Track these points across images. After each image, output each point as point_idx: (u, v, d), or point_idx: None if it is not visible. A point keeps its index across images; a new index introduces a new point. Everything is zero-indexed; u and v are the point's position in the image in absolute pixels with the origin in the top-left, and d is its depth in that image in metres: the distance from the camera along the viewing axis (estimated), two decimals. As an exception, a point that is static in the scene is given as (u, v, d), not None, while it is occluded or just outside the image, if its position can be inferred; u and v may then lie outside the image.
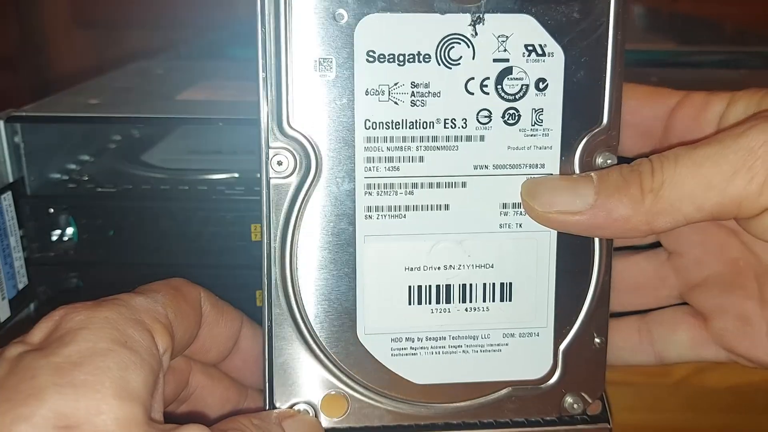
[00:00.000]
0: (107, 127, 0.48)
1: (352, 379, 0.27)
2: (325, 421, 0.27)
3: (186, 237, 0.38)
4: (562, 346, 0.28)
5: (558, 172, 0.26)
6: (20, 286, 0.38)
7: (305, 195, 0.26)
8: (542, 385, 0.28)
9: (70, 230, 0.38)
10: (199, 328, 0.27)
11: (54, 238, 0.38)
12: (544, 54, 0.25)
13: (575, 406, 0.28)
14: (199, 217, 0.38)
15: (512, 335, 0.27)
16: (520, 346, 0.27)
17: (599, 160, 0.26)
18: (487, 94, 0.25)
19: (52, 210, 0.38)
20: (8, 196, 0.37)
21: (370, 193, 0.26)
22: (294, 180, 0.26)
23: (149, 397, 0.22)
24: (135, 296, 0.24)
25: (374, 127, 0.25)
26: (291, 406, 0.27)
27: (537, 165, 0.26)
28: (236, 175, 0.40)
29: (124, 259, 0.38)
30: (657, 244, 0.31)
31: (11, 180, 0.38)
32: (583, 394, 0.28)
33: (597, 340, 0.28)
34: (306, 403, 0.27)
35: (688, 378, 0.39)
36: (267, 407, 0.27)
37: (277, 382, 0.27)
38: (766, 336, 0.28)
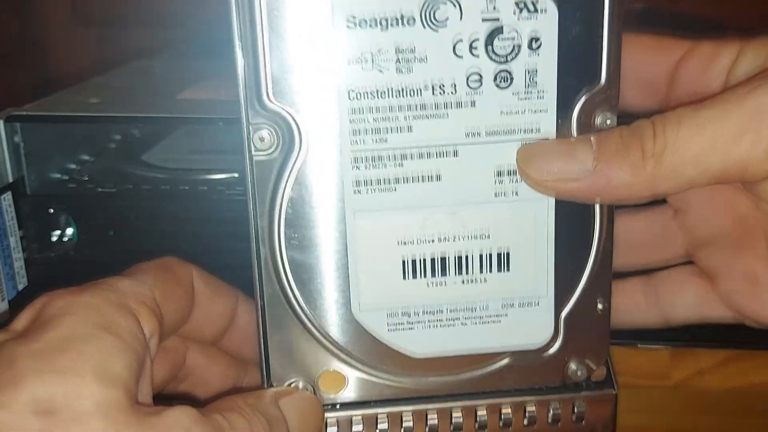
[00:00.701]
0: (107, 127, 0.48)
1: (349, 355, 0.26)
2: (324, 398, 0.27)
3: (186, 237, 0.38)
4: (563, 313, 0.27)
5: (555, 137, 0.25)
6: (20, 287, 0.38)
7: (290, 171, 0.25)
8: (544, 353, 0.27)
9: (70, 230, 0.38)
10: (192, 308, 0.26)
11: (54, 238, 0.38)
12: (536, 10, 0.24)
13: (579, 372, 0.27)
14: (200, 217, 0.38)
15: (511, 305, 0.27)
16: (520, 315, 0.27)
17: (598, 121, 0.25)
18: (477, 56, 0.24)
19: (52, 210, 0.38)
20: (8, 196, 0.37)
21: (357, 167, 0.25)
22: (278, 156, 0.25)
23: (133, 381, 0.21)
24: (121, 279, 0.24)
25: (359, 97, 0.24)
26: (288, 385, 0.26)
27: (532, 129, 0.25)
28: (236, 175, 0.40)
29: (124, 259, 0.38)
30: (662, 201, 0.30)
31: (11, 180, 0.38)
32: (587, 360, 0.27)
33: (600, 305, 0.27)
34: (303, 381, 0.26)
35: (687, 380, 0.39)
36: (264, 387, 0.27)
37: (273, 361, 0.26)
38: None
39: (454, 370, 0.27)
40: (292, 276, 0.26)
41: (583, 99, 0.25)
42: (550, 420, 0.27)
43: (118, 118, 0.41)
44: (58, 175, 0.42)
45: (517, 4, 0.24)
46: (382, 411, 0.27)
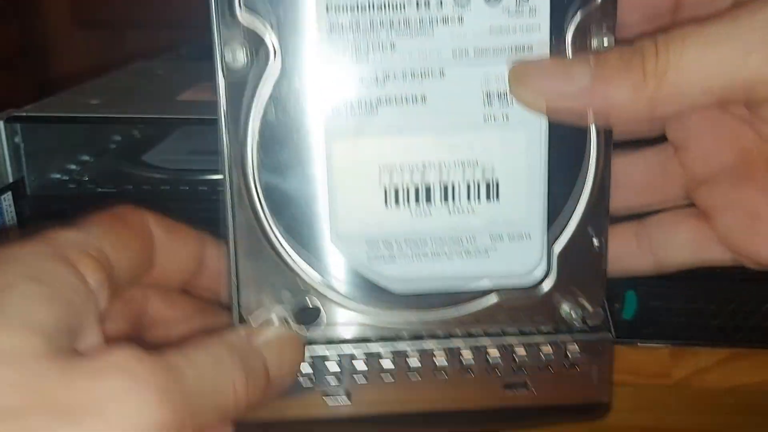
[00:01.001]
0: (108, 128, 0.48)
1: (326, 288, 0.25)
2: (299, 334, 0.25)
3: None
4: (556, 248, 0.25)
5: (548, 57, 0.23)
6: (20, 287, 0.38)
7: (265, 92, 0.23)
8: (535, 292, 0.25)
9: (70, 230, 0.38)
10: (151, 255, 0.25)
11: (54, 238, 0.38)
12: None
13: (573, 314, 0.25)
14: (200, 217, 0.38)
15: (501, 238, 0.25)
16: (510, 249, 0.25)
17: (595, 43, 0.23)
18: None
19: (52, 210, 0.38)
20: (8, 197, 0.37)
21: (336, 88, 0.23)
22: (251, 74, 0.23)
23: (60, 330, 0.20)
24: (64, 231, 0.23)
25: (337, 11, 0.22)
26: (262, 321, 0.24)
27: (524, 48, 0.23)
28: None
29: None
30: (662, 140, 0.28)
31: (11, 180, 0.38)
32: (581, 301, 0.25)
33: (595, 241, 0.25)
34: (276, 312, 0.24)
35: (687, 379, 0.39)
36: (234, 317, 0.25)
37: (244, 293, 0.24)
38: None
39: (437, 308, 0.25)
40: (266, 202, 0.24)
41: (578, 17, 0.23)
42: (540, 365, 0.26)
43: (118, 119, 0.41)
44: (58, 176, 0.42)
45: None
46: (359, 350, 0.25)
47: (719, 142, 0.27)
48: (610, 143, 0.25)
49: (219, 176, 0.40)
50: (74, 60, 0.96)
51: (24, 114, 0.39)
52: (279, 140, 0.24)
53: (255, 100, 0.23)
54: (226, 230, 0.24)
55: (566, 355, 0.26)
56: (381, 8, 0.23)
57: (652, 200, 0.29)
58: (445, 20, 0.23)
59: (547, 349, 0.25)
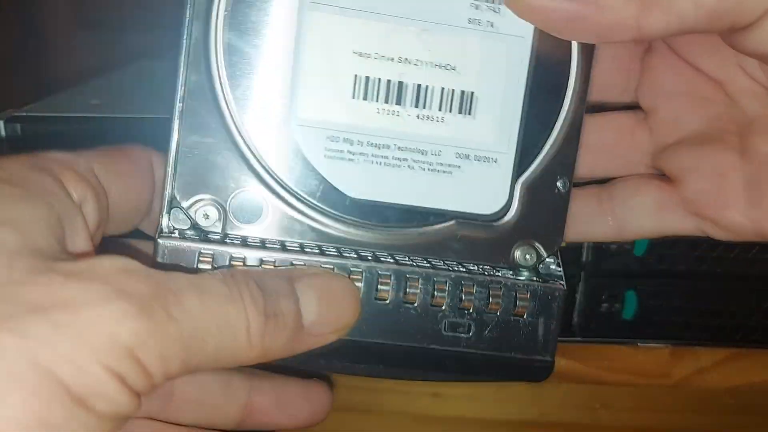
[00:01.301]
0: (108, 128, 0.48)
1: (274, 178, 0.23)
2: (236, 227, 0.23)
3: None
4: (520, 182, 0.24)
5: None
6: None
7: None
8: (494, 224, 0.24)
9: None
10: (149, 196, 0.24)
11: (54, 238, 0.38)
12: None
13: (527, 257, 0.24)
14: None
15: (467, 157, 0.24)
16: (475, 171, 0.24)
17: None
18: None
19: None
20: (9, 197, 0.37)
21: None
22: None
23: (39, 229, 0.18)
24: (55, 152, 0.22)
25: None
26: (194, 202, 0.22)
27: None
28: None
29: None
30: (635, 108, 0.28)
31: (12, 180, 0.38)
32: (537, 245, 0.24)
33: (559, 183, 0.24)
34: (213, 200, 0.22)
35: (687, 379, 0.39)
36: (165, 201, 0.22)
37: (181, 168, 0.22)
38: (743, 191, 0.25)
39: (390, 224, 0.23)
40: (225, 63, 0.22)
41: None
42: (486, 308, 0.24)
43: (118, 119, 0.41)
44: (58, 176, 0.42)
45: None
46: (296, 258, 0.22)
47: (690, 105, 0.27)
48: (589, 77, 0.24)
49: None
50: (74, 60, 0.96)
51: (24, 114, 0.39)
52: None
53: None
54: (174, 91, 0.23)
55: (514, 303, 0.24)
56: None
57: (618, 165, 0.28)
58: None
59: (496, 291, 0.24)
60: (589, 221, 0.27)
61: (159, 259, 0.21)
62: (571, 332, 0.39)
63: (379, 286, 0.23)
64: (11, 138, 0.38)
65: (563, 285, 0.24)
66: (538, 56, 0.23)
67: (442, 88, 0.23)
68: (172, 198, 0.22)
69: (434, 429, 0.43)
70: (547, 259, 0.25)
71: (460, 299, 0.23)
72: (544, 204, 0.24)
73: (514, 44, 0.23)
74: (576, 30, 0.22)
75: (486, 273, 0.24)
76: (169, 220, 0.22)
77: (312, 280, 0.21)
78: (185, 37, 0.22)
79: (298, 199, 0.23)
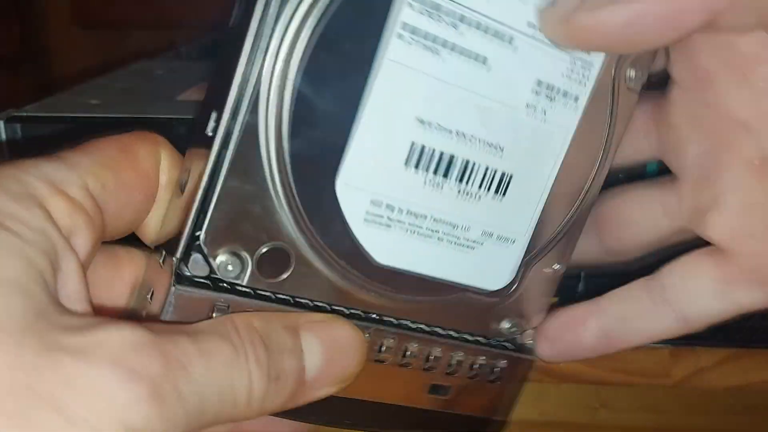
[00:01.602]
0: (108, 128, 0.48)
1: (309, 236, 0.21)
2: (256, 280, 0.21)
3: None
4: (526, 260, 0.25)
5: None
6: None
7: None
8: (493, 299, 0.24)
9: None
10: (152, 205, 0.21)
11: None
12: None
13: (512, 329, 0.25)
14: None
15: (490, 235, 0.24)
16: (493, 249, 0.24)
17: None
18: None
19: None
20: (9, 197, 0.37)
21: (411, 5, 0.20)
22: None
23: (36, 289, 0.16)
24: (42, 162, 0.19)
25: None
26: (220, 250, 0.20)
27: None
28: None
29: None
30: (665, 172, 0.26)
31: (12, 180, 0.38)
32: (523, 320, 0.25)
33: (557, 266, 0.25)
34: (240, 250, 0.20)
35: (687, 379, 0.39)
36: (183, 241, 0.20)
37: (216, 214, 0.20)
38: None
39: (407, 290, 0.23)
40: (291, 110, 0.20)
41: None
42: (470, 374, 0.25)
43: (118, 119, 0.41)
44: (58, 176, 0.42)
45: None
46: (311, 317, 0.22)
47: (718, 154, 0.24)
48: (604, 175, 0.25)
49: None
50: (74, 60, 0.96)
51: (24, 114, 0.39)
52: (325, 48, 0.20)
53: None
54: (217, 125, 0.20)
55: (493, 370, 0.25)
56: None
57: (650, 235, 0.26)
58: None
59: (483, 359, 0.25)
60: (649, 321, 0.25)
61: (172, 312, 0.20)
62: (571, 332, 0.39)
63: (381, 348, 0.23)
64: (11, 138, 0.38)
65: (536, 358, 0.26)
66: (574, 148, 0.24)
67: (487, 167, 0.23)
68: (196, 241, 0.20)
69: (434, 429, 0.43)
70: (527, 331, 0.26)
71: (450, 365, 0.25)
72: (540, 284, 0.25)
73: (557, 134, 0.23)
74: (641, 33, 0.20)
75: (477, 342, 0.25)
76: (188, 265, 0.20)
77: (318, 331, 0.20)
78: (244, 64, 0.19)
79: (325, 257, 0.22)
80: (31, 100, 0.41)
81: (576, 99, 0.23)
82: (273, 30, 0.19)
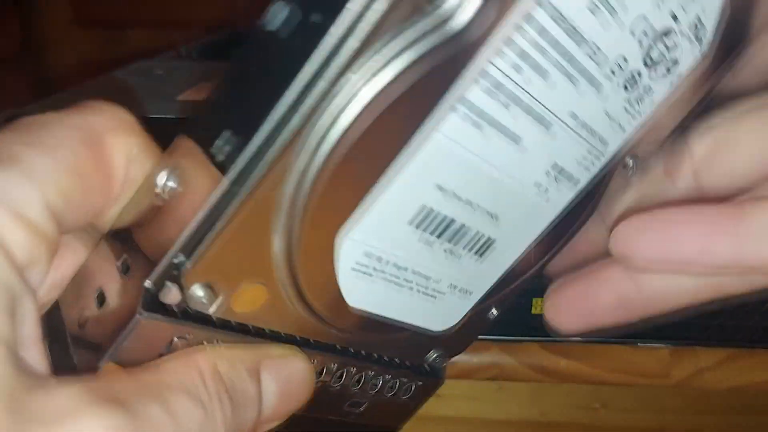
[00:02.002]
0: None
1: (292, 277, 0.20)
2: (228, 312, 0.20)
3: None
4: (475, 309, 0.25)
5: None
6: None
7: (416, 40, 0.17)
8: (437, 337, 0.25)
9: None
10: (112, 201, 0.19)
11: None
12: (698, 40, 0.21)
13: (438, 359, 0.26)
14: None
15: (455, 287, 0.24)
16: (453, 299, 0.25)
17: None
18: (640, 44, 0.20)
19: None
20: (9, 197, 0.37)
21: (479, 83, 0.19)
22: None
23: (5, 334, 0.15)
24: (4, 179, 0.16)
25: (548, 13, 0.19)
26: (202, 284, 0.19)
27: (605, 142, 0.22)
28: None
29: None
30: None
31: (12, 180, 0.38)
32: (450, 350, 0.26)
33: (495, 310, 0.26)
34: (219, 285, 0.19)
35: (687, 379, 0.39)
36: (161, 267, 0.18)
37: (211, 250, 0.18)
38: None
39: (361, 328, 0.23)
40: (324, 157, 0.18)
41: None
42: (388, 393, 0.26)
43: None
44: (58, 176, 0.42)
45: (694, 26, 0.21)
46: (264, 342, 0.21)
47: None
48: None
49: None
50: (74, 59, 0.96)
51: (24, 114, 0.39)
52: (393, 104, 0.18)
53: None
54: (229, 155, 0.17)
55: (410, 389, 0.26)
56: (580, 42, 0.20)
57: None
58: (597, 84, 0.21)
59: (405, 379, 0.26)
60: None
61: (131, 338, 0.19)
62: (571, 332, 0.39)
63: (323, 372, 0.23)
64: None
65: (443, 380, 0.27)
66: (554, 220, 0.24)
67: (477, 231, 0.23)
68: (175, 269, 0.18)
69: (435, 429, 0.43)
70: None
71: (375, 385, 0.25)
72: (475, 325, 0.26)
73: (549, 212, 0.24)
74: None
75: (403, 365, 0.26)
76: (159, 292, 0.18)
77: (276, 371, 0.20)
78: (304, 111, 0.17)
79: (301, 298, 0.21)
80: (30, 99, 0.41)
81: (577, 183, 0.23)
82: (353, 60, 0.16)
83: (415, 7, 0.17)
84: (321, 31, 0.16)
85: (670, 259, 0.21)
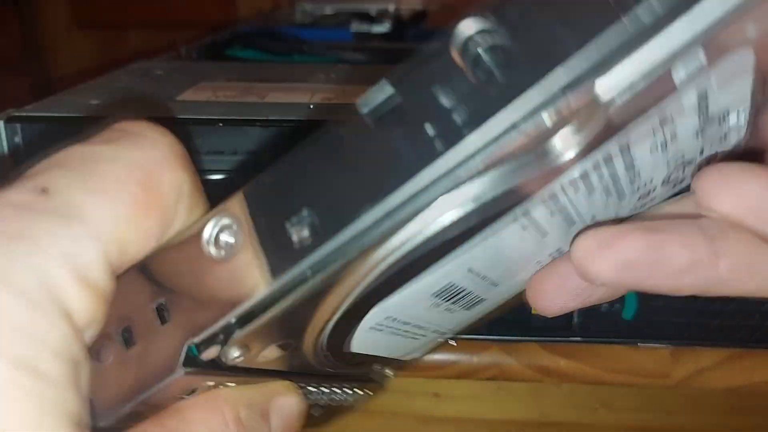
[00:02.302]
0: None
1: (318, 336, 0.20)
2: (249, 361, 0.20)
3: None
4: None
5: None
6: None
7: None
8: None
9: (70, 231, 0.38)
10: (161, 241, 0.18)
11: (54, 238, 0.38)
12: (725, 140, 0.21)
13: (389, 374, 0.29)
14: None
15: (436, 331, 0.26)
16: (431, 337, 0.27)
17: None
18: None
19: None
20: (8, 197, 0.37)
21: (545, 201, 0.19)
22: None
23: (76, 408, 0.15)
24: (57, 227, 0.15)
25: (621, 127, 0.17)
26: (244, 345, 0.19)
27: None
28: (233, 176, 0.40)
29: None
30: None
31: (11, 180, 0.38)
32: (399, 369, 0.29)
33: (447, 340, 0.30)
34: (254, 345, 0.19)
35: (688, 379, 0.39)
36: (211, 330, 0.18)
37: (262, 326, 0.18)
38: None
39: (341, 361, 0.23)
40: (396, 257, 0.18)
41: None
42: (345, 401, 0.29)
43: (118, 119, 0.41)
44: (58, 176, 0.42)
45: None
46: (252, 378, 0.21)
47: None
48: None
49: (218, 177, 0.40)
50: (74, 60, 0.96)
51: (24, 114, 0.39)
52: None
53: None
54: (290, 236, 0.17)
55: (358, 399, 0.29)
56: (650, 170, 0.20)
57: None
58: (620, 195, 0.21)
59: (359, 391, 0.28)
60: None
61: (163, 390, 0.19)
62: (571, 332, 0.39)
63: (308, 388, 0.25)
64: (11, 138, 0.38)
65: (386, 385, 0.29)
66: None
67: (477, 294, 0.24)
68: (222, 334, 0.18)
69: (435, 429, 0.43)
70: None
71: (333, 399, 0.27)
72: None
73: (518, 287, 0.25)
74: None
75: (358, 379, 0.28)
76: (203, 352, 0.19)
77: (279, 410, 0.21)
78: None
79: (316, 350, 0.21)
80: (31, 100, 0.41)
81: (560, 252, 0.24)
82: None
83: (527, 148, 0.17)
84: (436, 153, 0.16)
85: (627, 284, 0.21)
